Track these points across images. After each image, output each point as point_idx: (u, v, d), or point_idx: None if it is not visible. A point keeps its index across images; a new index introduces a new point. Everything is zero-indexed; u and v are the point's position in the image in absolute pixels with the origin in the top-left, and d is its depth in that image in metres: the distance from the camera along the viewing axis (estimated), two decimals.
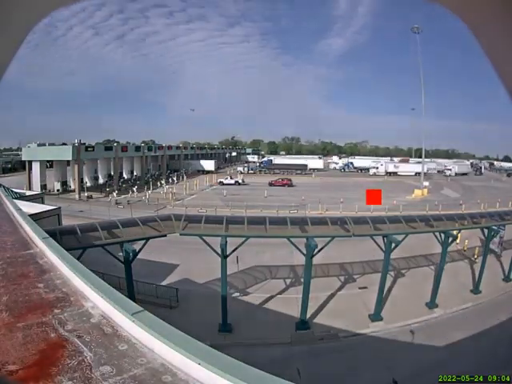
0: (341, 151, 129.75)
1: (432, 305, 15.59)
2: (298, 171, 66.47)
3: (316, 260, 14.05)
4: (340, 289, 16.83)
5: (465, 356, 12.05)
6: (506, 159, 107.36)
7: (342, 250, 20.73)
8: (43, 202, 20.51)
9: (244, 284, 17.09)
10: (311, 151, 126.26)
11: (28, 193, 23.94)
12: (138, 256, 13.01)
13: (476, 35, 1.37)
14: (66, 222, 18.34)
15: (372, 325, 14.19)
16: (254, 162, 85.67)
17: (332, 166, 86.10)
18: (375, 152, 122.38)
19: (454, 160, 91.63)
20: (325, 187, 48.64)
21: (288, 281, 17.67)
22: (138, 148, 57.24)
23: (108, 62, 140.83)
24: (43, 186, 41.83)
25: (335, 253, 19.87)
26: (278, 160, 78.48)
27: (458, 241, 19.45)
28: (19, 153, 59.84)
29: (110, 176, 52.52)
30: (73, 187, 43.92)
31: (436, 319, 14.81)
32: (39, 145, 45.34)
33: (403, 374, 11.16)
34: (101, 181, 51.21)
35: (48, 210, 16.53)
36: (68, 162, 45.05)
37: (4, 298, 2.95)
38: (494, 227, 17.54)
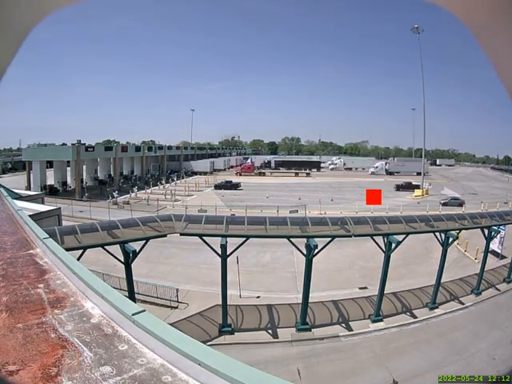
0: (341, 151, 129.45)
1: (432, 305, 15.58)
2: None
3: (316, 262, 14.03)
4: (340, 289, 16.80)
5: (464, 356, 12.07)
6: (506, 159, 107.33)
7: (343, 251, 20.79)
8: (43, 203, 20.49)
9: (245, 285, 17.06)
10: (311, 151, 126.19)
11: (28, 193, 23.95)
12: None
13: (476, 35, 1.37)
14: (66, 222, 18.35)
15: (372, 325, 14.18)
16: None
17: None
18: (376, 152, 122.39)
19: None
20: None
21: (288, 281, 17.65)
22: (138, 148, 57.33)
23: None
24: (43, 187, 41.78)
25: (337, 255, 19.95)
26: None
27: (458, 241, 19.43)
28: (19, 153, 59.93)
29: (110, 176, 52.49)
30: (73, 187, 43.89)
31: (436, 319, 14.81)
32: (39, 145, 45.36)
33: (403, 374, 11.18)
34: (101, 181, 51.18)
35: (48, 211, 16.50)
36: (68, 162, 45.04)
37: (4, 298, 2.95)
38: (494, 227, 17.52)
